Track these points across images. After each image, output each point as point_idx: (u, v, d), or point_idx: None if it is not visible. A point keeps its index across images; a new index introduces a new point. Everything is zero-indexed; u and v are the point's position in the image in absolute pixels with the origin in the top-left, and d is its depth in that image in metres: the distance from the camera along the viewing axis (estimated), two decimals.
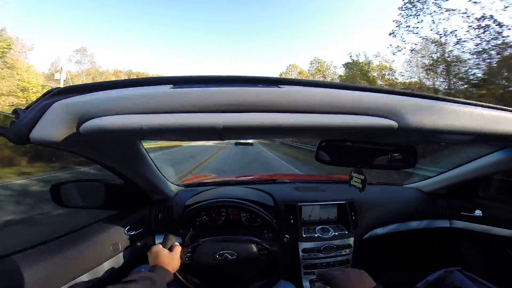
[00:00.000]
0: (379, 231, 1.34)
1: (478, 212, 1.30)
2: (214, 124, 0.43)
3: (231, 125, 0.44)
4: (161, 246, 0.91)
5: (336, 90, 0.47)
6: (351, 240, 1.23)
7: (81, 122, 0.44)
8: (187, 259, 0.95)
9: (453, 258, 1.48)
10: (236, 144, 20.31)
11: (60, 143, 0.48)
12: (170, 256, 0.88)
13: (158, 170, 1.11)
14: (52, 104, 0.44)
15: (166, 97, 0.44)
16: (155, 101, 0.43)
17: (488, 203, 1.31)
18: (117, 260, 0.97)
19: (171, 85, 0.45)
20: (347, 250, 1.22)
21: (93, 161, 0.78)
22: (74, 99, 0.44)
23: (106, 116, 0.43)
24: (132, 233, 1.05)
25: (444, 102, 0.51)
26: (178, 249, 0.93)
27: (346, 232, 1.24)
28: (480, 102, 0.55)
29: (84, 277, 0.82)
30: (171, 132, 0.46)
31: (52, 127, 0.44)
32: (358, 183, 0.91)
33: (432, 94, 0.52)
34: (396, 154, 0.85)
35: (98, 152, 0.76)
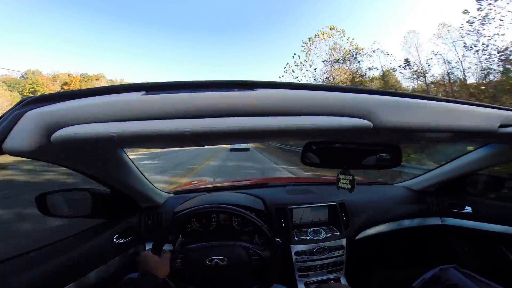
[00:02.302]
0: (372, 231, 1.34)
1: (468, 209, 1.31)
2: (181, 131, 0.43)
3: (198, 131, 0.43)
4: (150, 252, 0.90)
5: (309, 91, 0.47)
6: (343, 241, 1.23)
7: (52, 131, 0.43)
8: (177, 265, 0.94)
9: (447, 255, 1.48)
10: (231, 150, 20.16)
11: (34, 153, 0.47)
12: (159, 262, 0.86)
13: (145, 178, 1.10)
14: (24, 114, 0.44)
15: (136, 104, 0.43)
16: (125, 108, 0.43)
17: (477, 199, 1.32)
18: (106, 269, 0.96)
19: (144, 92, 0.44)
20: (340, 251, 1.21)
21: (73, 170, 0.77)
22: (46, 108, 0.44)
23: (76, 125, 0.43)
24: (121, 241, 1.04)
25: (419, 100, 0.51)
26: (167, 254, 0.91)
27: (338, 233, 1.24)
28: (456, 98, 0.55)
29: (72, 286, 0.80)
30: (140, 139, 0.46)
31: (24, 137, 0.44)
32: (347, 184, 0.91)
33: (406, 92, 0.52)
34: (381, 154, 0.85)
35: (77, 162, 0.75)
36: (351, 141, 0.78)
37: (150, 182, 1.16)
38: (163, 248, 0.93)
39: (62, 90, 0.49)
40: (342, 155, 0.86)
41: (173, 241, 1.06)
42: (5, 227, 3.37)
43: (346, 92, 0.48)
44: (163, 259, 0.89)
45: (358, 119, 0.47)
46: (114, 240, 1.02)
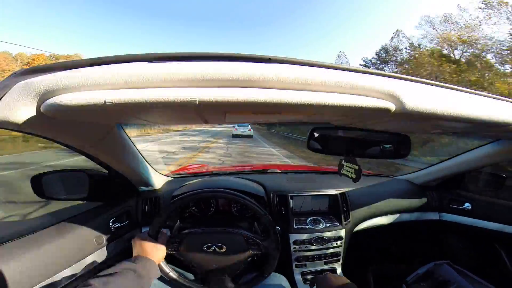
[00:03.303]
0: (370, 223, 1.34)
1: (467, 205, 1.31)
2: (189, 99, 0.39)
3: (208, 100, 0.40)
4: (146, 234, 0.87)
5: (330, 70, 0.45)
6: (342, 232, 1.22)
7: (43, 100, 0.41)
8: (174, 250, 0.92)
9: (442, 251, 1.50)
10: (233, 136, 19.92)
11: (23, 126, 0.45)
12: (155, 246, 0.84)
13: (144, 159, 1.07)
14: (14, 85, 0.41)
15: (138, 72, 0.40)
16: (124, 76, 0.39)
17: (477, 197, 1.31)
18: (101, 254, 0.94)
19: (147, 62, 0.41)
20: (338, 242, 1.21)
21: (67, 147, 0.74)
22: (37, 78, 0.41)
23: (68, 93, 0.39)
24: (117, 225, 1.02)
25: (443, 89, 0.50)
26: (164, 237, 0.89)
27: (337, 224, 1.23)
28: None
29: (66, 272, 0.79)
30: (141, 109, 0.43)
31: (11, 107, 0.41)
32: (352, 173, 0.89)
33: (430, 81, 0.51)
34: (388, 144, 0.83)
35: (71, 137, 0.71)
36: (366, 126, 0.76)
37: (149, 163, 1.13)
38: (160, 231, 0.91)
39: (58, 62, 0.46)
40: (348, 143, 0.84)
41: (170, 227, 1.04)
42: None
43: (370, 74, 0.46)
44: (159, 241, 0.86)
45: (381, 100, 0.46)
46: (110, 224, 1.00)
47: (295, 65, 0.43)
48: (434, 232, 1.52)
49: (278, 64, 0.42)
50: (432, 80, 0.51)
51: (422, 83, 0.49)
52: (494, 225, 1.20)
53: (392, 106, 0.46)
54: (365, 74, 0.46)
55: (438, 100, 0.48)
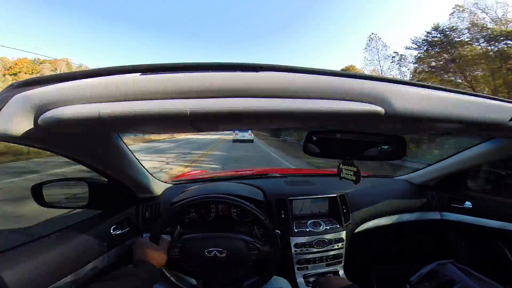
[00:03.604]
0: (371, 224, 1.34)
1: (468, 204, 1.31)
2: (181, 110, 0.41)
3: (199, 111, 0.41)
4: (147, 238, 0.88)
5: (319, 76, 0.45)
6: (343, 234, 1.22)
7: (40, 113, 0.42)
8: (175, 255, 0.92)
9: (445, 250, 1.49)
10: (234, 141, 20.02)
11: (21, 138, 0.45)
12: (156, 251, 0.84)
13: (143, 166, 1.08)
14: (11, 97, 0.42)
15: (131, 85, 0.41)
16: (119, 88, 0.41)
17: (478, 195, 1.31)
18: (102, 261, 0.94)
19: (140, 73, 0.42)
20: (340, 244, 1.21)
21: (66, 157, 0.75)
22: (35, 91, 0.42)
23: (64, 106, 0.40)
24: (118, 232, 1.02)
25: (432, 90, 0.50)
26: (165, 242, 0.89)
27: (338, 226, 1.23)
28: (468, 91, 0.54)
29: (68, 279, 0.79)
30: (135, 121, 0.44)
31: (10, 120, 0.42)
32: (351, 175, 0.89)
33: (419, 82, 0.51)
34: (385, 145, 0.84)
35: (69, 148, 0.72)
36: (359, 129, 0.77)
37: (148, 171, 1.14)
38: (161, 235, 0.91)
39: (54, 74, 0.47)
40: (345, 146, 0.84)
41: (171, 233, 1.05)
42: None
43: (358, 78, 0.46)
44: (161, 246, 0.86)
45: (370, 104, 0.46)
46: (111, 231, 1.00)
47: (285, 72, 0.43)
48: (436, 231, 1.51)
49: (269, 72, 0.43)
50: (420, 82, 0.52)
51: (411, 85, 0.49)
52: (496, 223, 1.19)
53: (381, 110, 0.47)
54: (354, 79, 0.46)
55: (427, 102, 0.49)
